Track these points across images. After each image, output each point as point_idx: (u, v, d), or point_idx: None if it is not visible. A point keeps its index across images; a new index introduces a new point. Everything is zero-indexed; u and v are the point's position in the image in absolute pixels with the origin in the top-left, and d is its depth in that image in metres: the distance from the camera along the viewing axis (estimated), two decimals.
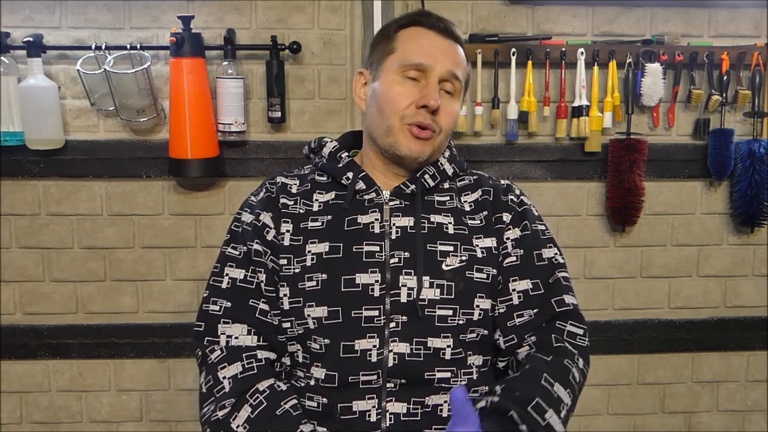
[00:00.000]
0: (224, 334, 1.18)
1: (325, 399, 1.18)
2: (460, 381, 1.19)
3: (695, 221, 2.03)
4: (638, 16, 1.94)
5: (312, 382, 1.19)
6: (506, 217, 1.27)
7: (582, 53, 1.88)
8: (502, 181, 1.34)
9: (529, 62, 1.88)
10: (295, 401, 1.15)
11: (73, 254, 1.93)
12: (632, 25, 1.94)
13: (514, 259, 1.25)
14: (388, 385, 1.16)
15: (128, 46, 1.80)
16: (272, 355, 1.21)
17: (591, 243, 2.02)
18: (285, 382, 1.20)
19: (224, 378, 1.15)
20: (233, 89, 1.82)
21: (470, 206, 1.28)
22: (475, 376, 1.22)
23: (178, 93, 1.77)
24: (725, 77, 1.92)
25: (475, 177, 1.33)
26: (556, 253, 1.28)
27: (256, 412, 1.12)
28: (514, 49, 1.87)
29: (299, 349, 1.21)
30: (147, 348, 1.96)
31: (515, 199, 1.30)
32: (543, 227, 1.30)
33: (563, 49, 1.88)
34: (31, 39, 1.77)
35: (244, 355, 1.17)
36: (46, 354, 1.95)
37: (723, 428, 2.12)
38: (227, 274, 1.22)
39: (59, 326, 1.94)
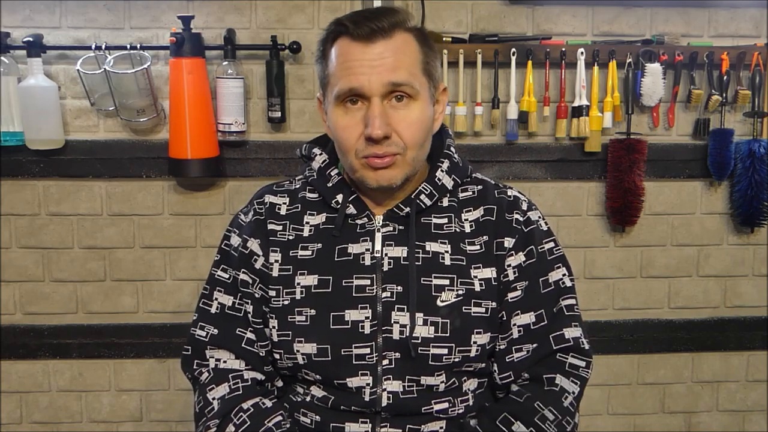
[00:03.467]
0: (213, 357, 1.19)
1: (318, 417, 1.16)
2: (458, 410, 1.16)
3: (695, 221, 2.03)
4: (638, 16, 1.94)
5: (308, 398, 1.17)
6: (508, 242, 1.17)
7: (582, 53, 1.88)
8: (509, 192, 1.22)
9: (529, 62, 1.88)
10: (279, 418, 1.14)
11: (73, 254, 1.93)
12: (632, 25, 1.94)
13: (518, 293, 1.17)
14: (383, 413, 1.14)
15: (128, 46, 1.80)
16: (260, 376, 1.19)
17: (591, 243, 2.02)
18: (272, 399, 1.18)
19: (213, 399, 1.15)
20: (233, 89, 1.82)
21: (471, 226, 1.18)
22: (471, 402, 1.18)
23: (178, 93, 1.77)
24: (725, 77, 1.92)
25: (479, 187, 1.22)
26: (564, 275, 1.19)
27: (240, 431, 1.11)
28: (514, 49, 1.87)
29: (294, 376, 1.20)
30: (147, 348, 1.96)
31: (520, 218, 1.19)
32: (551, 245, 1.21)
33: (563, 49, 1.88)
34: (31, 39, 1.77)
35: (230, 375, 1.16)
36: (46, 354, 1.95)
37: (723, 428, 2.12)
38: (216, 299, 1.20)
39: (59, 326, 1.94)
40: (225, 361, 1.18)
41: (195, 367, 1.19)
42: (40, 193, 1.90)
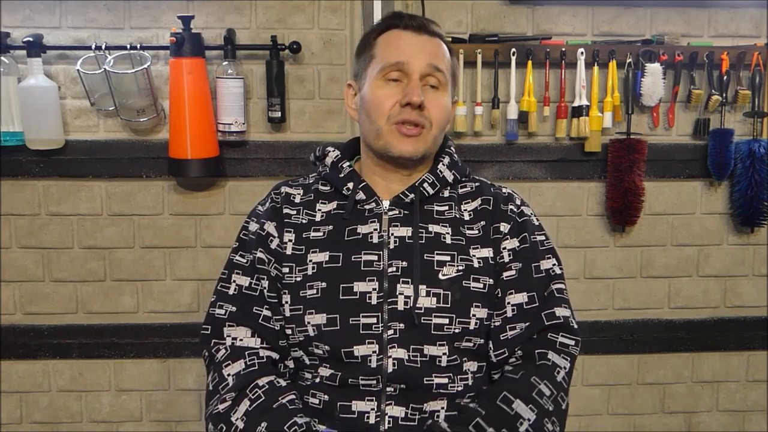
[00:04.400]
0: (230, 336, 1.24)
1: (326, 396, 1.21)
2: (457, 387, 1.21)
3: (695, 221, 2.03)
4: (638, 16, 1.94)
5: (317, 380, 1.22)
6: (504, 227, 1.27)
7: (582, 53, 1.88)
8: (504, 190, 1.34)
9: (529, 62, 1.88)
10: (293, 396, 1.19)
11: (73, 254, 1.93)
12: (632, 25, 1.94)
13: (513, 273, 1.25)
14: (388, 389, 1.19)
15: (128, 46, 1.79)
16: (275, 355, 1.24)
17: (591, 243, 2.02)
18: (286, 380, 1.23)
19: (228, 375, 1.20)
20: (233, 89, 1.82)
21: (469, 215, 1.28)
22: (470, 382, 1.23)
23: (178, 93, 1.77)
24: (725, 77, 1.92)
25: (477, 184, 1.33)
26: (554, 264, 1.28)
27: (254, 405, 1.16)
28: (514, 49, 1.87)
29: (303, 354, 1.24)
30: (147, 348, 1.96)
31: (515, 209, 1.30)
32: (543, 237, 1.30)
33: (563, 49, 1.88)
34: (31, 39, 1.77)
35: (246, 353, 1.21)
36: (46, 354, 1.95)
37: (723, 428, 2.12)
38: (234, 281, 1.27)
39: (59, 326, 1.94)
40: (241, 340, 1.23)
41: (212, 345, 1.24)
42: (40, 193, 1.90)
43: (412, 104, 1.20)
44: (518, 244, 1.27)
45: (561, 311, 1.24)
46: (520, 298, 1.24)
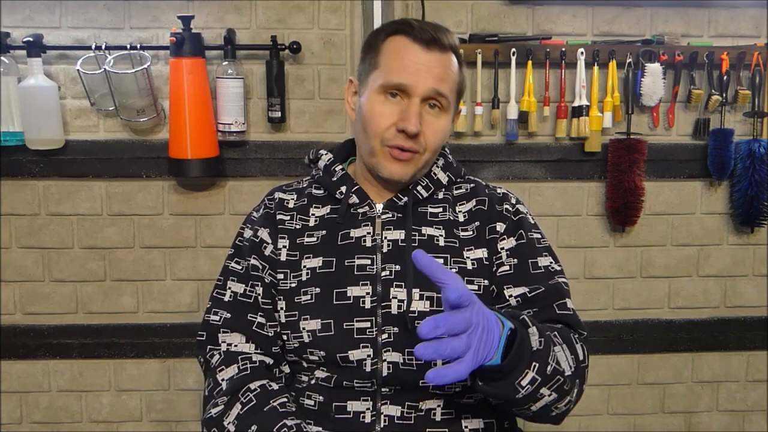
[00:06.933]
0: (224, 342, 1.24)
1: (321, 397, 1.20)
2: (455, 388, 1.19)
3: (695, 221, 2.03)
4: (638, 16, 1.94)
5: (313, 381, 1.22)
6: (500, 227, 1.25)
7: (582, 53, 1.88)
8: (499, 190, 1.32)
9: (529, 62, 1.88)
10: (284, 399, 1.18)
11: (73, 254, 1.93)
12: (632, 25, 1.94)
13: (507, 268, 1.23)
14: (383, 389, 1.18)
15: (128, 46, 1.80)
16: (268, 360, 1.24)
17: (591, 243, 2.02)
18: (278, 383, 1.23)
19: (222, 380, 1.20)
20: (233, 89, 1.82)
21: (464, 216, 1.27)
22: (470, 383, 1.18)
23: (178, 93, 1.77)
24: (725, 77, 1.92)
25: (471, 185, 1.32)
26: (551, 262, 1.26)
27: (245, 409, 1.16)
28: (514, 49, 1.87)
29: (299, 359, 1.24)
30: (147, 348, 1.96)
31: (510, 209, 1.28)
32: (539, 235, 1.28)
33: (563, 49, 1.88)
34: (31, 39, 1.77)
35: (239, 357, 1.21)
36: (46, 354, 1.95)
37: (723, 428, 2.12)
38: (229, 288, 1.27)
39: (59, 326, 1.94)
40: (236, 345, 1.23)
41: (207, 350, 1.24)
42: (40, 193, 1.90)
43: (407, 132, 1.16)
44: (515, 242, 1.25)
45: (570, 303, 1.22)
46: (521, 290, 1.21)
